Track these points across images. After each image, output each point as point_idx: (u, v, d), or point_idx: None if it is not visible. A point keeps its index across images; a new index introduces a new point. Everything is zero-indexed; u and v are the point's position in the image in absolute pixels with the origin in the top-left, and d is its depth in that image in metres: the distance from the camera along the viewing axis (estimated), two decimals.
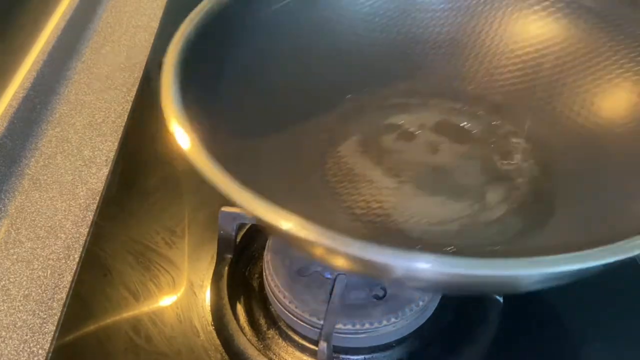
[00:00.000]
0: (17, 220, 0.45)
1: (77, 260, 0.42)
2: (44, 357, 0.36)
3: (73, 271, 0.41)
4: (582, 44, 0.40)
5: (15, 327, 0.38)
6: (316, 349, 0.33)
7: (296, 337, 0.36)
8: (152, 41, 0.64)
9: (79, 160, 0.50)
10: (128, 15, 0.69)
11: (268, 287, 0.36)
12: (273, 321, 0.37)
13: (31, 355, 0.37)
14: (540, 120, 0.40)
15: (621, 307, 0.39)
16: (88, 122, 0.54)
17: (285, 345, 0.36)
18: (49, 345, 0.37)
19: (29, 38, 0.59)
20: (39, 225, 0.45)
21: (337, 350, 0.35)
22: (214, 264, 0.40)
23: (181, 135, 0.26)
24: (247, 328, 0.37)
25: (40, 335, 0.38)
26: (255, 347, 0.35)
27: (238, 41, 0.37)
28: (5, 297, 0.40)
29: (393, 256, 0.22)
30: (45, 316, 0.39)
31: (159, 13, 0.69)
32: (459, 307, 0.38)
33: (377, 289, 0.35)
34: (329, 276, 0.36)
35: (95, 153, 0.51)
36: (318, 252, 0.26)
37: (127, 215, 0.44)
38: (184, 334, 0.37)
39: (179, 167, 0.47)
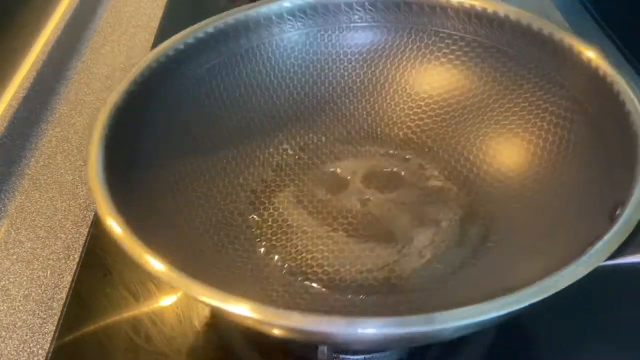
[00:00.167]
0: (17, 220, 0.45)
1: (77, 260, 0.42)
2: (44, 357, 0.36)
3: (73, 271, 0.41)
4: (483, 90, 0.42)
5: (15, 327, 0.38)
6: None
7: None
8: (152, 41, 0.64)
9: (79, 160, 0.50)
10: (128, 15, 0.69)
11: None
12: None
13: (31, 355, 0.37)
14: (464, 162, 0.42)
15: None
16: (88, 122, 0.54)
17: (285, 345, 0.36)
18: (49, 345, 0.37)
19: (29, 38, 0.59)
20: (39, 225, 0.45)
21: (337, 350, 0.35)
22: None
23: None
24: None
25: (40, 335, 0.38)
26: (255, 347, 0.35)
27: (165, 105, 0.38)
28: (5, 297, 0.40)
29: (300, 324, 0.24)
30: (45, 316, 0.39)
31: (159, 13, 0.68)
32: None
33: None
34: None
35: None
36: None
37: None
38: (184, 334, 0.37)
39: None
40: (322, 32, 0.44)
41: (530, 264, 0.31)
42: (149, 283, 0.39)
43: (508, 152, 0.40)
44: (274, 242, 0.38)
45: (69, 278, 0.41)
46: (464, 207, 0.39)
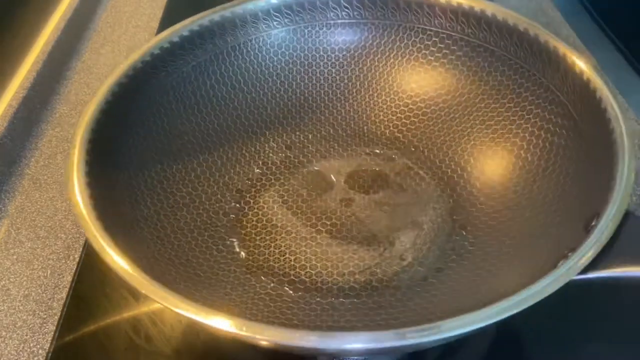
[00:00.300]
0: (17, 220, 0.45)
1: (77, 260, 0.42)
2: (44, 357, 0.37)
3: (73, 271, 0.41)
4: (468, 91, 0.42)
5: (15, 327, 0.38)
6: None
7: None
8: None
9: None
10: (128, 15, 0.69)
11: None
12: None
13: (31, 355, 0.37)
14: (449, 163, 0.42)
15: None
16: None
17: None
18: (49, 345, 0.37)
19: (29, 38, 0.59)
20: (39, 225, 0.45)
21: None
22: None
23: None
24: None
25: (40, 335, 0.38)
26: (256, 348, 0.35)
27: (151, 104, 0.39)
28: (5, 297, 0.40)
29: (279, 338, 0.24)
30: (45, 316, 0.39)
31: (159, 13, 0.69)
32: None
33: None
34: None
35: None
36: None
37: None
38: (184, 334, 0.37)
39: None
40: (309, 29, 0.44)
41: (510, 269, 0.32)
42: None
43: (492, 153, 0.40)
44: (258, 243, 0.38)
45: (69, 278, 0.41)
46: (447, 209, 0.40)
